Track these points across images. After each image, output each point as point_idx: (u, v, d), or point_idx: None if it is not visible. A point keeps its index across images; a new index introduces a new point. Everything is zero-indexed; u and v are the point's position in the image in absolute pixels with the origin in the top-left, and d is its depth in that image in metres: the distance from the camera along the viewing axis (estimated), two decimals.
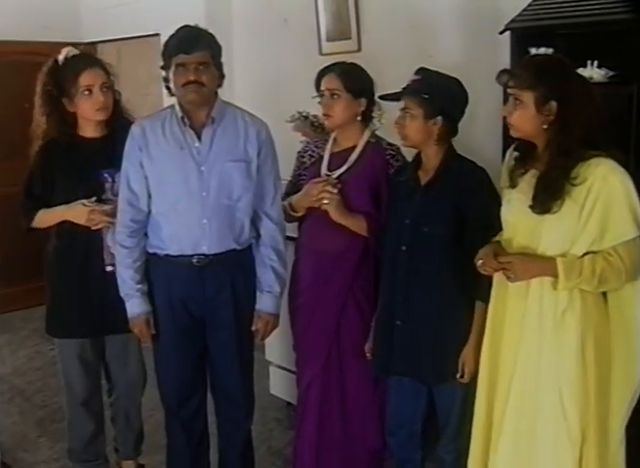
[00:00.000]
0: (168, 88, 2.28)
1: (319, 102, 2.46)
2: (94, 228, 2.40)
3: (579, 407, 1.87)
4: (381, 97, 2.34)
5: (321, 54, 3.68)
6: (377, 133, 2.51)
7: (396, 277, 2.21)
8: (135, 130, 2.31)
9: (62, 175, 2.44)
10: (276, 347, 3.20)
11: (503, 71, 1.94)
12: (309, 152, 2.58)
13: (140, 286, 2.34)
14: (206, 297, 2.33)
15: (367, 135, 2.46)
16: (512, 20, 2.54)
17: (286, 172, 2.59)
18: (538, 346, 1.91)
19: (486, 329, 2.05)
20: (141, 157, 2.28)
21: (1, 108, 4.47)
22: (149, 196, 2.31)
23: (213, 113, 2.28)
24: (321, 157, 2.52)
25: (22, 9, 4.56)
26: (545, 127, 1.87)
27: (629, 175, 1.84)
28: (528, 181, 1.93)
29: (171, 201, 2.28)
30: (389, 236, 2.27)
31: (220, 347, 2.40)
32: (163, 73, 2.27)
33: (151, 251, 2.35)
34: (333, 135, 2.53)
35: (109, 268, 2.41)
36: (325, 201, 2.37)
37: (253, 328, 2.40)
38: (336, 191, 2.37)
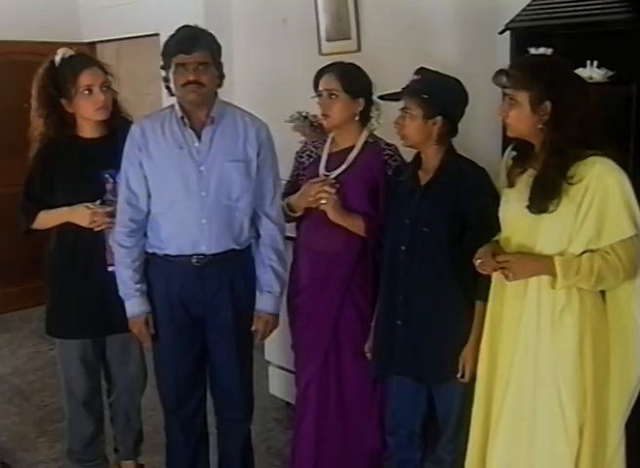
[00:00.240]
0: (168, 88, 2.28)
1: (318, 103, 2.46)
2: (96, 230, 2.41)
3: (576, 404, 1.87)
4: (381, 98, 2.34)
5: (321, 54, 3.68)
6: (375, 133, 2.51)
7: (396, 277, 2.22)
8: (134, 129, 2.31)
9: (62, 176, 2.43)
10: (276, 347, 3.20)
11: (500, 71, 1.95)
12: (308, 152, 2.58)
13: (139, 285, 2.34)
14: (205, 297, 2.33)
15: (365, 135, 2.47)
16: (512, 20, 2.54)
17: (285, 172, 2.59)
18: (535, 345, 1.91)
19: (484, 328, 2.06)
20: (141, 157, 2.28)
21: (0, 108, 4.46)
22: (149, 196, 2.31)
23: (212, 113, 2.28)
24: (319, 157, 2.52)
25: (22, 9, 4.56)
26: (540, 127, 1.87)
27: (628, 174, 1.84)
28: (525, 181, 1.94)
29: (170, 201, 2.28)
30: (389, 236, 2.27)
31: (219, 347, 2.40)
32: (163, 73, 2.27)
33: (151, 250, 2.35)
34: (331, 135, 2.53)
35: (111, 269, 2.41)
36: (323, 201, 2.37)
37: (253, 328, 2.40)
38: (334, 191, 2.37)
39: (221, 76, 2.30)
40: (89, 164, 2.43)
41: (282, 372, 3.29)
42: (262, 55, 4.07)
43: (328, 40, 3.67)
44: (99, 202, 2.40)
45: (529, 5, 2.56)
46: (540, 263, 1.87)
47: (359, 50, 3.54)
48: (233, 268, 2.35)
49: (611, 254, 1.82)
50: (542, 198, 1.85)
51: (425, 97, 2.12)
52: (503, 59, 2.47)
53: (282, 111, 3.33)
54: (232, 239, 2.33)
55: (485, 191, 2.10)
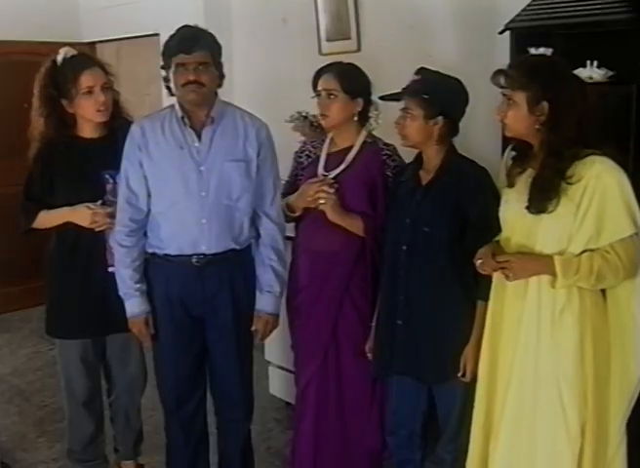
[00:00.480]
0: (168, 88, 2.28)
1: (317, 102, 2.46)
2: (97, 230, 2.41)
3: (577, 403, 1.88)
4: (382, 98, 2.34)
5: (321, 54, 3.68)
6: (373, 133, 2.51)
7: (397, 277, 2.22)
8: (134, 129, 2.31)
9: (62, 176, 2.43)
10: (275, 347, 3.20)
11: (498, 71, 1.95)
12: (306, 152, 2.58)
13: (138, 285, 2.34)
14: (205, 297, 2.33)
15: (363, 135, 2.47)
16: (512, 20, 2.54)
17: (285, 172, 2.59)
18: (536, 345, 1.91)
19: (485, 328, 2.06)
20: (141, 156, 2.28)
21: (0, 108, 4.46)
22: (149, 195, 2.31)
23: (212, 113, 2.28)
24: (318, 157, 2.52)
25: (22, 9, 4.55)
26: (538, 127, 1.88)
27: (628, 174, 1.85)
28: (525, 181, 1.95)
29: (170, 200, 2.28)
30: (390, 236, 2.27)
31: (219, 347, 2.40)
32: (163, 73, 2.27)
33: (150, 250, 2.35)
34: (330, 135, 2.53)
35: (112, 269, 2.41)
36: (321, 201, 2.37)
37: (253, 328, 2.40)
38: (332, 191, 2.37)
39: (221, 76, 2.30)
40: (89, 164, 2.42)
41: (282, 372, 3.29)
42: (262, 55, 4.07)
43: (328, 40, 3.67)
44: (99, 202, 2.41)
45: (529, 5, 2.56)
46: (540, 263, 1.88)
47: (359, 50, 3.54)
48: (233, 268, 2.35)
49: (610, 253, 1.83)
50: (541, 199, 1.86)
51: (426, 97, 2.12)
52: (503, 60, 2.46)
53: (282, 111, 3.33)
54: (232, 239, 2.33)
55: (486, 191, 2.11)
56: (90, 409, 2.63)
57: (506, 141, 2.15)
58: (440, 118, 2.13)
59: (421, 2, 3.27)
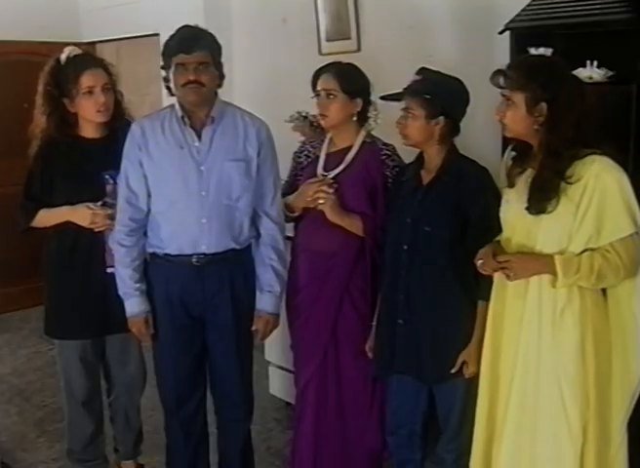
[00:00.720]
0: (168, 88, 2.28)
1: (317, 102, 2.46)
2: (96, 230, 2.41)
3: (579, 403, 1.88)
4: (383, 98, 2.34)
5: (320, 54, 3.68)
6: (372, 133, 2.51)
7: (398, 276, 2.22)
8: (134, 129, 2.31)
9: (62, 175, 2.43)
10: (276, 347, 3.20)
11: (497, 72, 1.95)
12: (305, 152, 2.58)
13: (138, 285, 2.34)
14: (205, 297, 2.33)
15: (363, 135, 2.47)
16: (512, 20, 2.54)
17: (285, 172, 2.59)
18: (537, 344, 1.92)
19: (486, 328, 2.06)
20: (141, 156, 2.28)
21: (0, 108, 4.47)
22: (149, 195, 2.31)
23: (212, 113, 2.28)
24: (317, 157, 2.52)
25: (22, 9, 4.55)
26: (536, 128, 1.88)
27: (628, 174, 1.85)
28: (525, 181, 1.95)
29: (170, 200, 2.28)
30: (391, 235, 2.27)
31: (219, 347, 2.40)
32: (163, 73, 2.28)
33: (151, 250, 2.35)
34: (329, 135, 2.54)
35: (110, 270, 2.41)
36: (321, 201, 2.37)
37: (253, 328, 2.40)
38: (332, 191, 2.37)
39: (221, 76, 2.31)
40: (89, 164, 2.43)
41: (282, 372, 3.29)
42: (262, 55, 4.07)
43: (328, 40, 3.67)
44: (100, 203, 2.40)
45: (528, 5, 2.56)
46: (540, 262, 1.88)
47: (359, 50, 3.54)
48: (233, 268, 2.35)
49: (611, 253, 1.83)
50: (540, 199, 1.86)
51: (427, 97, 2.12)
52: (503, 60, 2.46)
53: (282, 111, 3.33)
54: (232, 238, 2.33)
55: (487, 191, 2.11)
56: (89, 408, 2.64)
57: (506, 141, 2.15)
58: (441, 118, 2.14)
59: (421, 2, 3.27)
